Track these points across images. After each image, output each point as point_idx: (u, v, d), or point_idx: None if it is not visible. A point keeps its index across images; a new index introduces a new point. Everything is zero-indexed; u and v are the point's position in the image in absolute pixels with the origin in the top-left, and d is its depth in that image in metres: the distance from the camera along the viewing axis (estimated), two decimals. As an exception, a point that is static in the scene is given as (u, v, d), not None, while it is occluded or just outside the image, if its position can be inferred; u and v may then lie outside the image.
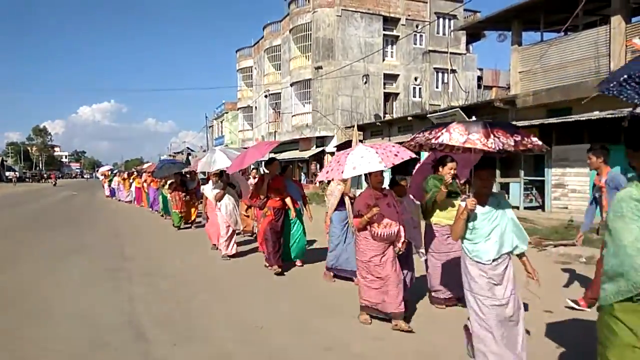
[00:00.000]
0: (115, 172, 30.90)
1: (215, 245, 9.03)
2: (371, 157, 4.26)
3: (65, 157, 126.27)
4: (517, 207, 14.96)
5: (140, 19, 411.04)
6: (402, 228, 4.63)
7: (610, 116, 11.51)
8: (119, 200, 23.97)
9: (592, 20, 14.40)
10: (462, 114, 17.04)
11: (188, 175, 13.79)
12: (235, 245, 8.57)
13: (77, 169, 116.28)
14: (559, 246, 9.14)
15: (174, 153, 60.31)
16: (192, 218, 13.11)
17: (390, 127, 23.13)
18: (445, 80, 29.08)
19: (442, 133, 3.58)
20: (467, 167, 4.54)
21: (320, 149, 27.78)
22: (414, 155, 4.43)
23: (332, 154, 26.95)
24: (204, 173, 12.75)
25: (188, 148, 56.87)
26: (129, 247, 9.74)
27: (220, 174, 8.71)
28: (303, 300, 5.66)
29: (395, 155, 4.29)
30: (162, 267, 7.72)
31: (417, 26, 28.66)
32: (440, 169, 5.04)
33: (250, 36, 64.94)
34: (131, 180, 22.29)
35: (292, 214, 7.26)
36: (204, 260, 8.40)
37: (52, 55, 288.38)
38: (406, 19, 28.63)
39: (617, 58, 12.31)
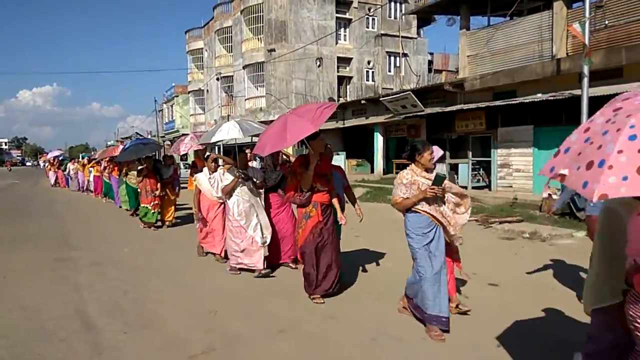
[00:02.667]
0: (66, 158, 28.73)
1: (219, 255, 6.87)
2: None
3: (5, 144, 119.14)
4: (466, 187, 15.46)
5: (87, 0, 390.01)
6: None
7: (552, 98, 12.04)
8: (75, 190, 21.59)
9: (536, 6, 14.92)
10: (414, 97, 17.34)
11: (162, 161, 10.71)
12: (263, 258, 5.96)
13: (18, 156, 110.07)
14: (504, 223, 9.56)
15: (122, 138, 58.13)
16: (169, 217, 10.44)
17: (344, 111, 23.26)
18: (398, 64, 29.45)
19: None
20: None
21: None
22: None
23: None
24: (185, 160, 11.77)
25: (137, 133, 54.88)
26: (75, 236, 9.36)
27: (235, 155, 6.23)
28: (255, 284, 5.65)
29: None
30: (109, 255, 7.47)
31: (369, 9, 28.75)
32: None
33: (200, 17, 63.00)
34: (90, 168, 19.35)
35: (342, 217, 4.99)
36: (154, 247, 8.19)
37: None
38: (359, 2, 28.64)
39: (559, 42, 12.84)
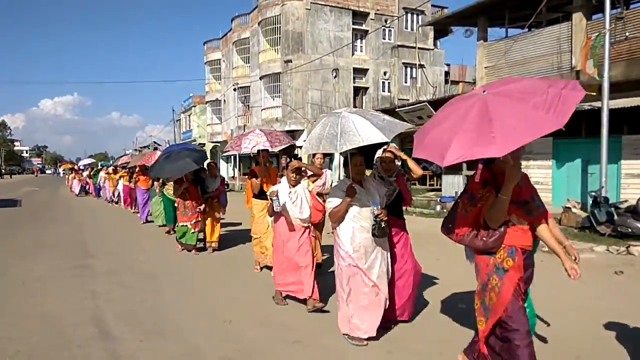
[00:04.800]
0: (99, 166, 26.85)
1: (314, 301, 4.82)
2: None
3: (26, 152, 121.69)
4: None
5: (107, 11, 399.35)
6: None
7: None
8: (107, 200, 19.38)
9: (555, 17, 14.80)
10: (430, 108, 17.28)
11: (206, 170, 8.61)
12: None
13: (38, 164, 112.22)
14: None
15: (140, 147, 58.95)
16: (214, 238, 8.41)
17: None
18: (414, 75, 29.40)
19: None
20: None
21: (290, 142, 27.67)
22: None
23: (301, 147, 26.93)
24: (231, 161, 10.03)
25: (155, 142, 55.68)
26: (93, 244, 9.47)
27: (347, 160, 4.06)
28: (270, 293, 5.63)
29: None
30: (126, 263, 7.54)
31: (385, 21, 28.83)
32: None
33: (218, 28, 63.94)
34: (118, 177, 17.43)
35: (573, 268, 3.01)
36: (170, 255, 8.24)
37: (11, 47, 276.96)
38: (375, 14, 28.75)
39: (579, 54, 12.70)
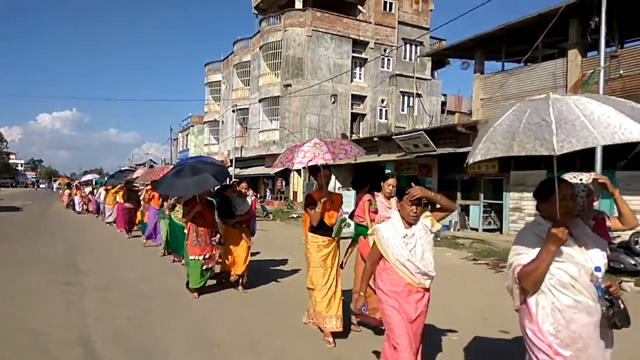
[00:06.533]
0: (99, 181, 24.90)
1: None
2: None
3: (21, 166, 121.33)
4: (477, 229, 15.30)
5: (110, 29, 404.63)
6: None
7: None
8: (107, 221, 16.89)
9: (551, 53, 15.14)
10: (426, 137, 17.43)
11: (233, 187, 7.13)
12: None
13: (32, 177, 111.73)
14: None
15: (136, 165, 58.88)
16: (240, 270, 6.75)
17: (356, 147, 23.33)
18: (411, 104, 29.78)
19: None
20: None
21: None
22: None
23: (298, 171, 27.00)
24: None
25: (151, 160, 55.71)
26: (83, 260, 9.36)
27: (554, 188, 2.43)
28: (262, 318, 5.57)
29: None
30: (116, 281, 7.44)
31: (385, 50, 29.36)
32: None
33: (219, 50, 64.79)
34: (114, 192, 15.79)
35: None
36: (160, 274, 8.15)
37: (11, 60, 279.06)
38: (375, 43, 29.29)
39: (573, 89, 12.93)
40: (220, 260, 7.14)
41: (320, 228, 4.77)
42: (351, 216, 5.24)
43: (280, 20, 28.63)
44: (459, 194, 16.65)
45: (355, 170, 24.66)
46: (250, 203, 7.19)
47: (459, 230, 15.48)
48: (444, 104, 32.98)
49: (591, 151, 10.56)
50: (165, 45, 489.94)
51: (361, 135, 26.86)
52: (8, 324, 5.03)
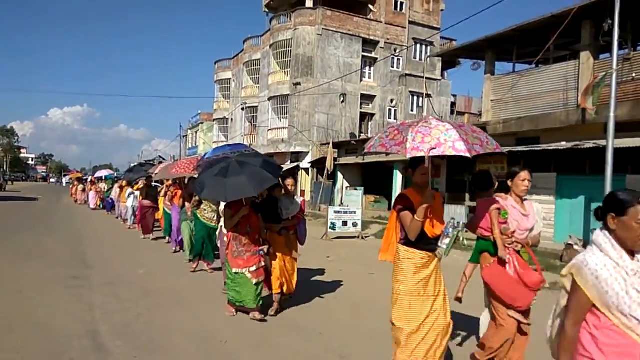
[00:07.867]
0: (112, 177, 24.70)
1: None
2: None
3: (32, 160, 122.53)
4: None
5: (122, 26, 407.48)
6: None
7: (576, 147, 11.94)
8: (123, 219, 16.07)
9: (563, 55, 14.99)
10: (436, 137, 17.36)
11: (282, 186, 5.74)
12: None
13: (43, 172, 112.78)
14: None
15: (145, 161, 59.25)
16: (291, 289, 5.80)
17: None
18: (420, 104, 29.68)
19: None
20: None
21: (295, 164, 27.79)
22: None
23: (307, 170, 27.03)
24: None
25: (160, 156, 56.04)
26: (91, 254, 9.45)
27: None
28: (266, 314, 5.59)
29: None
30: (124, 276, 7.50)
31: (395, 50, 29.27)
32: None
33: (229, 48, 64.92)
34: (134, 191, 14.73)
35: None
36: (170, 270, 8.21)
37: (25, 55, 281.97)
38: (385, 42, 29.21)
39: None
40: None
41: (420, 241, 3.55)
42: (469, 227, 4.26)
43: (290, 19, 28.63)
44: (467, 195, 16.58)
45: (362, 169, 24.65)
46: (299, 204, 5.90)
47: (466, 232, 15.38)
48: (453, 104, 32.82)
49: (602, 156, 10.47)
50: (176, 42, 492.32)
51: (370, 135, 26.81)
52: (17, 317, 5.10)
